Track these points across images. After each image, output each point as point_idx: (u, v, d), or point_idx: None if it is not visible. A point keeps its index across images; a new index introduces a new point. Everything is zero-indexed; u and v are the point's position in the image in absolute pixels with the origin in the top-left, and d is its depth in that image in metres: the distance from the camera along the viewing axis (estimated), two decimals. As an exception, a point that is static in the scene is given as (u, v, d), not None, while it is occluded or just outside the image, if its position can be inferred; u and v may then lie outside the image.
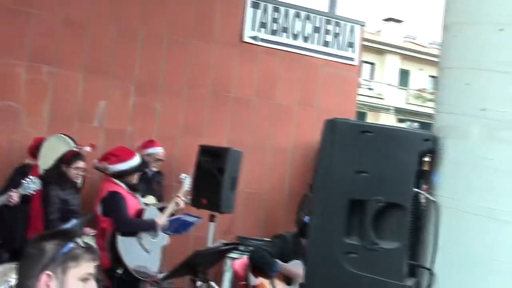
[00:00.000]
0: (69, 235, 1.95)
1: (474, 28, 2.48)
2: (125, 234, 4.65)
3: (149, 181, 5.73)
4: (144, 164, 5.21)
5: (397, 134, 2.38)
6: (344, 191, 2.31)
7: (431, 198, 2.41)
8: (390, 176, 2.30)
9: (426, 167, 2.54)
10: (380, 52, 29.31)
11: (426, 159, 2.55)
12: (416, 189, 2.33)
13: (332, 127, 2.36)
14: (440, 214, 2.41)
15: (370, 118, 27.98)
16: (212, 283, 5.13)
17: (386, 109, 29.31)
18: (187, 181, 5.50)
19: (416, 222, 2.40)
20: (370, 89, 28.70)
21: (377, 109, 29.04)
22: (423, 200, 2.47)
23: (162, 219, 4.93)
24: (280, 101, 6.86)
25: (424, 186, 2.50)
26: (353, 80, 7.32)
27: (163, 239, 4.97)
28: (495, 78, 2.43)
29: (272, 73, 6.83)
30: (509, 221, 2.37)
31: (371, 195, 2.30)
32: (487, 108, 2.42)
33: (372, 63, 29.39)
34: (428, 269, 2.38)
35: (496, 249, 2.36)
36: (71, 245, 1.90)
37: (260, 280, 4.59)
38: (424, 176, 2.49)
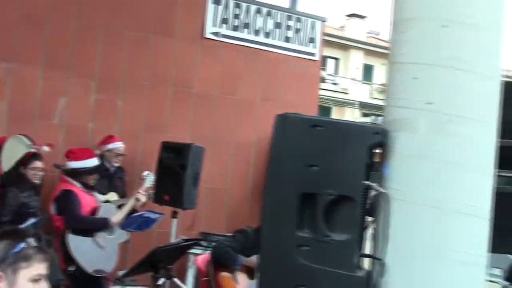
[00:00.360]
0: (20, 235, 1.92)
1: (420, 24, 2.55)
2: (76, 231, 4.62)
3: (111, 177, 5.70)
4: (102, 167, 5.19)
5: (347, 128, 2.44)
6: (295, 185, 2.35)
7: (381, 190, 2.47)
8: (341, 169, 2.35)
9: (377, 160, 2.60)
10: (344, 47, 29.58)
11: (378, 151, 2.61)
12: (366, 182, 2.38)
13: (283, 121, 2.40)
14: (391, 206, 2.47)
15: (335, 113, 28.24)
16: (176, 280, 5.15)
17: (350, 104, 29.62)
18: (149, 178, 5.48)
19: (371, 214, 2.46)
20: (334, 84, 28.94)
21: (342, 103, 29.32)
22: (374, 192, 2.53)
23: (117, 217, 4.91)
24: (242, 97, 6.89)
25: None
26: (314, 75, 7.40)
27: (120, 236, 4.95)
28: (441, 72, 2.51)
29: (234, 69, 6.85)
30: (459, 212, 2.45)
31: (322, 188, 2.34)
32: (434, 101, 2.50)
33: (336, 58, 29.65)
34: (379, 259, 2.44)
35: (446, 239, 2.44)
36: (22, 245, 1.87)
37: (222, 275, 4.62)
38: (375, 169, 2.55)
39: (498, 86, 2.55)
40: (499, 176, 2.88)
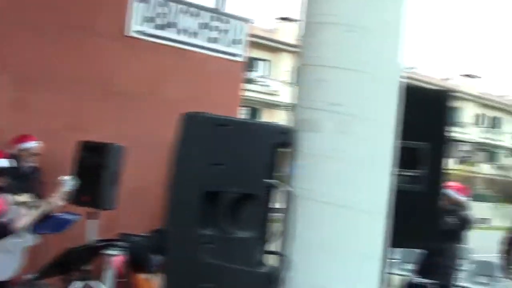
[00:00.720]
0: None
1: (327, 28, 2.63)
2: None
3: (26, 178, 5.51)
4: (16, 167, 5.00)
5: (252, 127, 2.48)
6: (199, 183, 2.37)
7: (286, 188, 2.52)
8: (245, 168, 2.39)
9: (285, 159, 2.66)
10: (275, 50, 29.94)
11: (286, 150, 2.67)
12: (269, 180, 2.43)
13: (189, 120, 2.41)
14: (296, 204, 2.53)
15: (265, 115, 28.51)
16: (92, 282, 5.05)
17: (280, 106, 29.99)
18: (68, 183, 5.30)
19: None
20: (265, 86, 29.24)
21: (271, 106, 29.64)
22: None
23: (24, 221, 4.74)
24: (167, 96, 6.82)
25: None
26: (238, 76, 7.45)
27: (28, 239, 4.78)
28: (347, 76, 2.60)
29: (159, 68, 6.78)
30: (361, 209, 2.55)
31: (226, 186, 2.37)
32: (340, 103, 2.58)
33: (267, 61, 29.97)
34: (283, 256, 2.48)
35: (347, 235, 2.52)
36: None
37: (140, 275, 4.59)
38: (282, 167, 2.61)
39: (397, 88, 2.67)
40: (401, 175, 3.01)
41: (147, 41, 6.68)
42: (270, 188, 2.43)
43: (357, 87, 2.59)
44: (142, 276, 4.55)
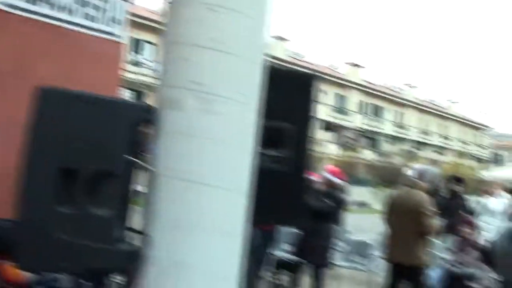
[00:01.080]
0: None
1: (189, 6, 2.64)
2: None
3: None
4: None
5: (110, 104, 2.44)
6: (55, 160, 2.30)
7: (146, 166, 2.51)
8: (103, 144, 2.35)
9: (145, 137, 2.64)
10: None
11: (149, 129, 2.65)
12: (129, 158, 2.41)
13: (44, 95, 2.33)
14: (158, 182, 2.53)
15: (151, 98, 28.13)
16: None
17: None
18: None
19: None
20: (151, 69, 28.80)
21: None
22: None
23: None
24: (36, 75, 6.47)
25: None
26: (118, 57, 7.26)
27: None
28: (209, 54, 2.62)
29: (29, 45, 6.43)
30: (222, 187, 2.59)
31: (84, 163, 2.32)
32: (202, 82, 2.61)
33: (155, 44, 29.51)
34: (143, 233, 2.48)
35: (207, 212, 2.56)
36: None
37: (6, 262, 4.38)
38: (143, 145, 2.59)
39: (260, 69, 2.73)
40: (265, 155, 3.10)
41: (17, 15, 6.32)
42: (130, 165, 2.41)
43: (219, 66, 2.62)
44: (8, 263, 4.33)
